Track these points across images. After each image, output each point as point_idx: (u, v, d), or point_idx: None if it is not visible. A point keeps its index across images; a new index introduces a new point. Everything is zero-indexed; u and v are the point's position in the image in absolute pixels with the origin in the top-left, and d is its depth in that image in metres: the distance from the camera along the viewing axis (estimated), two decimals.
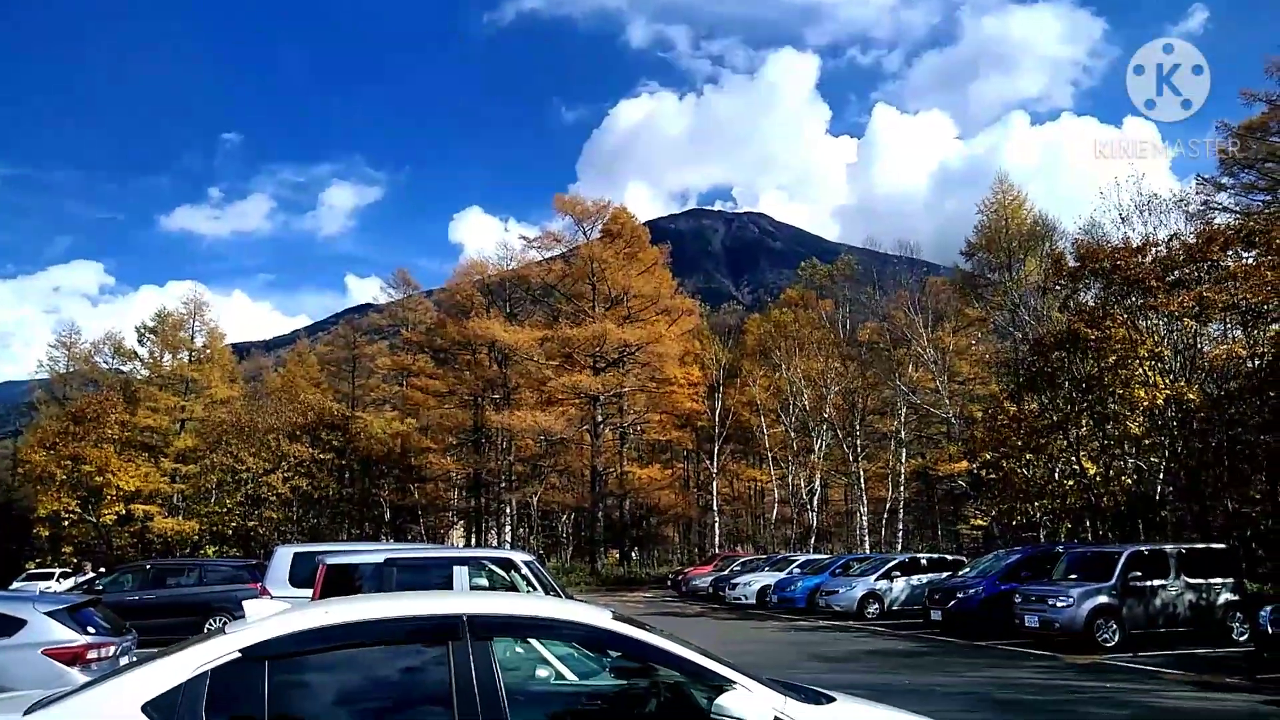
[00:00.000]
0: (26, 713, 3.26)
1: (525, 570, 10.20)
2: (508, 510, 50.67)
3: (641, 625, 3.66)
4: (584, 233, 48.47)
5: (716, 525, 48.61)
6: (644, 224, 54.73)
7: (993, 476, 29.71)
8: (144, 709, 3.10)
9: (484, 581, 10.29)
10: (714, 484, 47.55)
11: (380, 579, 9.81)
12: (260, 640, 3.30)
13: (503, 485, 49.71)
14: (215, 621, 17.33)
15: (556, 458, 49.10)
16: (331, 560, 10.14)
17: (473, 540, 52.99)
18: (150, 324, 53.02)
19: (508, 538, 49.62)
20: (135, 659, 8.07)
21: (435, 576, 10.28)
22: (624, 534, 50.09)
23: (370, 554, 10.82)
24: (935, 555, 26.32)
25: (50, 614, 7.69)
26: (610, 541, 49.51)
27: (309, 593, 10.25)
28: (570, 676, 4.43)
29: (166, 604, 17.43)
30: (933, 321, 42.82)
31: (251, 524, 44.61)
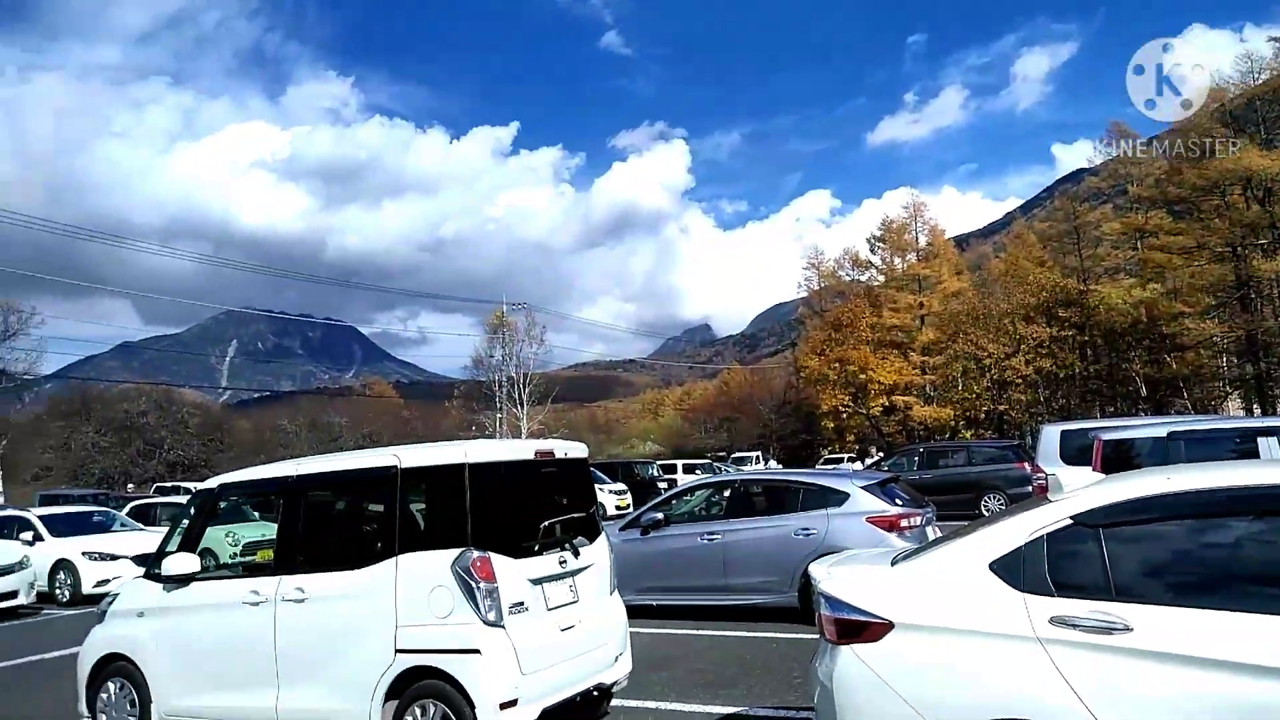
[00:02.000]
0: (893, 563, 3.90)
1: None
2: None
3: None
4: None
5: None
6: None
7: None
8: (990, 567, 3.42)
9: None
10: None
11: (1163, 453, 9.12)
12: (1091, 508, 3.35)
13: None
14: (990, 499, 18.35)
15: None
16: (1107, 435, 9.80)
17: (1255, 411, 45.37)
18: (877, 233, 58.16)
19: None
20: (937, 530, 9.03)
21: (1228, 449, 9.15)
22: None
23: (1147, 428, 10.12)
24: None
25: (865, 489, 9.09)
26: None
27: (1080, 470, 10.05)
28: None
29: (941, 482, 19.08)
30: None
31: (1001, 407, 45.80)
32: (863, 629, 3.48)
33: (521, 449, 5.86)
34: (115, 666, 6.00)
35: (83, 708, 6.15)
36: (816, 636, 3.90)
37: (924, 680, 3.33)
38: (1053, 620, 3.15)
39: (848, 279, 61.71)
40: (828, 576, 3.81)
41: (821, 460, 45.86)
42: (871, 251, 59.19)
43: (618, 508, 24.32)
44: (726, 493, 10.39)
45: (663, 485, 30.42)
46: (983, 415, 47.56)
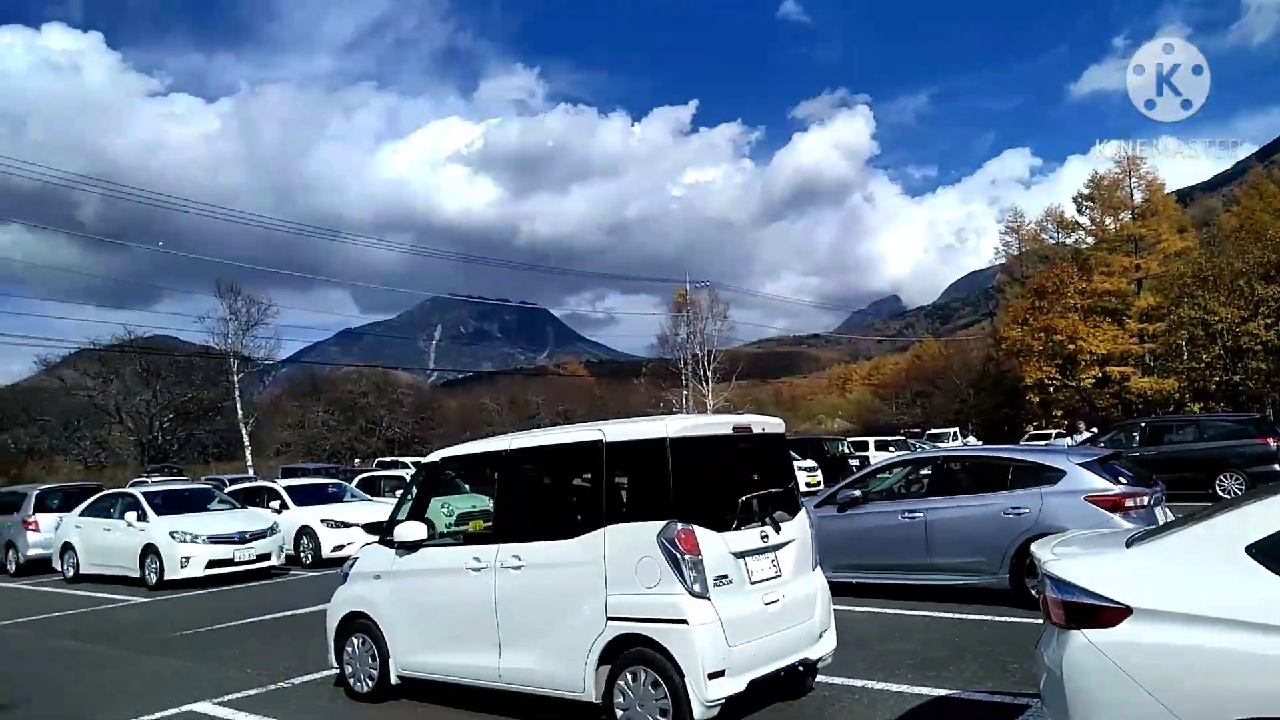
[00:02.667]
0: (1128, 544, 3.63)
1: None
2: None
3: None
4: None
5: None
6: None
7: None
8: (1248, 550, 3.11)
9: None
10: None
11: None
12: None
13: None
14: (1226, 477, 16.64)
15: None
16: None
17: None
18: (1085, 191, 53.58)
19: None
20: (1169, 511, 8.29)
21: None
22: None
23: None
24: None
25: (1083, 465, 8.48)
26: None
27: None
28: None
29: (1168, 459, 17.45)
30: None
31: (1236, 377, 41.21)
32: (1096, 613, 3.26)
33: (720, 424, 5.90)
34: (358, 623, 6.63)
35: (332, 659, 6.85)
36: (1029, 620, 3.73)
37: (1168, 670, 3.10)
38: None
39: (1052, 242, 57.29)
40: (1054, 557, 3.61)
41: (1026, 436, 43.06)
42: (1079, 212, 54.65)
43: (808, 484, 24.06)
44: (927, 470, 10.06)
45: (854, 462, 29.72)
46: (1214, 386, 42.87)
